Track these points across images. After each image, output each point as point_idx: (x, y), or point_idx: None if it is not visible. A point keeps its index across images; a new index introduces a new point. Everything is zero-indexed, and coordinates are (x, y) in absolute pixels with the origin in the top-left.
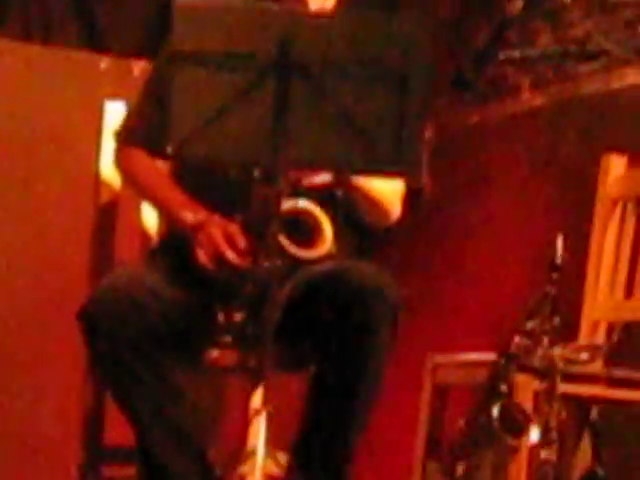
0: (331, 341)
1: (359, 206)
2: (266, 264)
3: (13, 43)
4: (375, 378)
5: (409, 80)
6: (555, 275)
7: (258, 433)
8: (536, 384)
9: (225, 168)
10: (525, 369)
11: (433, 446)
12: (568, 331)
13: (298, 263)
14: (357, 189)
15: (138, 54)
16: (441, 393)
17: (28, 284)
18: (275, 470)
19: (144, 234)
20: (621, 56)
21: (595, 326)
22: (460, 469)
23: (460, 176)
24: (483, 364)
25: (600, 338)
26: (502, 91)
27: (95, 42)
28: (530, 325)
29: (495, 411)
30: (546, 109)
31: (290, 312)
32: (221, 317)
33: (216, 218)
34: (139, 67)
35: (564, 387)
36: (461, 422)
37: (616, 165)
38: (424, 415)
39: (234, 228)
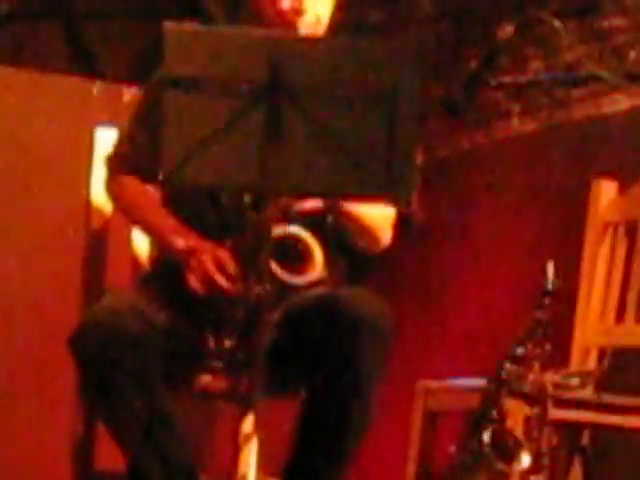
0: (322, 367)
1: (349, 232)
2: (256, 289)
3: (5, 68)
4: (366, 405)
5: (398, 105)
6: (546, 301)
7: (249, 459)
8: (527, 409)
9: (216, 194)
10: (516, 395)
11: (424, 472)
12: (559, 357)
13: (288, 288)
14: (348, 215)
15: (129, 80)
16: (432, 418)
17: (20, 309)
18: None
19: (135, 260)
20: (611, 82)
21: (586, 352)
22: None
23: (450, 201)
24: (474, 390)
25: (591, 364)
26: (493, 116)
27: (86, 67)
28: (521, 351)
29: (486, 436)
30: (537, 135)
31: (281, 338)
32: (212, 343)
33: (207, 244)
34: (130, 93)
35: (555, 412)
36: (452, 447)
37: (607, 190)
38: (415, 440)
39: (224, 253)
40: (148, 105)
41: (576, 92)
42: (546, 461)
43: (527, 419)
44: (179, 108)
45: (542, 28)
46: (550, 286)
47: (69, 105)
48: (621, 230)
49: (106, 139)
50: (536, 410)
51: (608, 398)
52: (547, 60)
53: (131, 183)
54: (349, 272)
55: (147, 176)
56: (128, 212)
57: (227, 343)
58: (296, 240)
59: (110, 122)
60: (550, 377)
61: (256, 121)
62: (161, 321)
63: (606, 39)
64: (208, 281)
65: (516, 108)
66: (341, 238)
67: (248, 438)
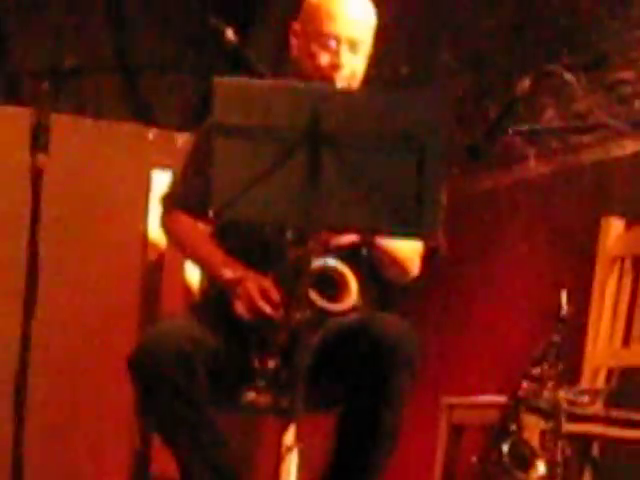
0: (356, 385)
1: (382, 264)
2: (297, 315)
3: (69, 117)
4: (396, 418)
5: (427, 150)
6: (560, 326)
7: (290, 469)
8: (542, 424)
9: (261, 230)
10: (532, 410)
11: (450, 479)
12: (571, 376)
13: (326, 315)
14: (380, 248)
15: (181, 127)
16: (456, 432)
17: (83, 332)
18: None
19: (187, 289)
20: (618, 129)
21: (596, 372)
22: None
23: (473, 237)
24: (494, 406)
25: (600, 382)
26: (511, 160)
27: (143, 116)
28: (537, 371)
29: (505, 448)
30: (551, 176)
31: (319, 359)
32: (256, 363)
33: (252, 274)
34: (182, 139)
35: (568, 426)
36: (474, 458)
37: (615, 227)
38: (440, 452)
39: (268, 283)
40: (199, 150)
41: (586, 138)
42: (560, 470)
43: (542, 432)
44: (227, 153)
45: (556, 80)
46: (564, 312)
47: (128, 150)
48: (628, 263)
49: (161, 180)
50: (550, 424)
51: (616, 413)
52: (560, 109)
53: (184, 220)
54: (383, 299)
55: (198, 213)
56: (181, 246)
57: (271, 363)
58: (334, 271)
59: (165, 165)
60: (563, 394)
61: (297, 164)
62: (210, 344)
63: (613, 90)
64: (253, 308)
65: (532, 152)
66: (374, 269)
67: (289, 449)
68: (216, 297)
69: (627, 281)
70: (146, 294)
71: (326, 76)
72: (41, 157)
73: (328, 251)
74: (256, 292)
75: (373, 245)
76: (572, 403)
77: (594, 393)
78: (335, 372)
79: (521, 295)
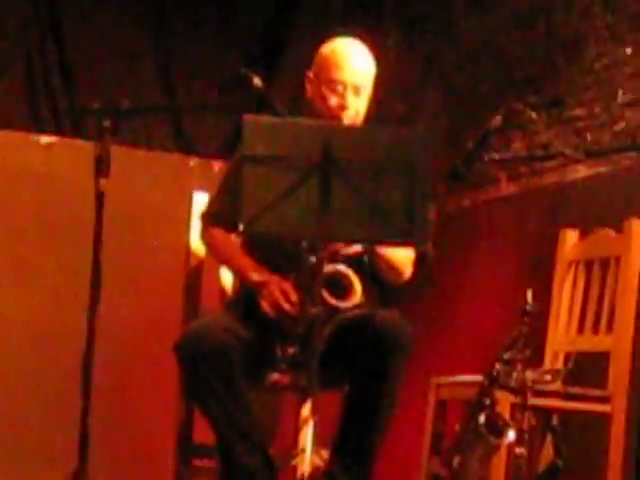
0: (361, 367)
1: (381, 269)
2: (312, 311)
3: (125, 149)
4: (393, 394)
5: (417, 175)
6: (526, 318)
7: (307, 436)
8: (512, 398)
9: (281, 241)
10: (504, 388)
11: (436, 445)
12: (536, 359)
13: (336, 310)
14: (380, 256)
15: (217, 156)
16: (442, 406)
17: (137, 325)
18: (319, 462)
19: (223, 290)
20: (573, 157)
21: (556, 355)
22: (456, 461)
23: (455, 245)
24: (473, 384)
25: (559, 364)
26: (486, 182)
27: (185, 147)
28: (507, 355)
29: (482, 418)
30: (518, 196)
31: (330, 346)
32: (279, 350)
33: (275, 278)
34: (218, 165)
35: (533, 401)
36: (456, 427)
37: (570, 237)
38: (429, 422)
39: (288, 285)
40: (231, 175)
41: (547, 164)
42: (526, 437)
43: (512, 405)
44: (254, 177)
45: (522, 117)
46: (529, 308)
47: (173, 175)
48: (581, 267)
49: (201, 200)
50: (519, 399)
51: (572, 390)
52: (526, 140)
53: (219, 233)
54: (382, 297)
55: (230, 228)
56: (217, 255)
57: (290, 350)
58: (342, 275)
59: (204, 188)
60: (529, 374)
61: (312, 187)
62: (242, 334)
63: (569, 125)
64: (276, 306)
65: (503, 176)
66: (374, 273)
67: (306, 420)
68: (246, 296)
69: (580, 281)
70: (188, 294)
71: (334, 115)
72: (103, 182)
73: (337, 258)
74: (278, 293)
75: (374, 253)
76: (536, 381)
77: (554, 373)
78: (343, 356)
79: (495, 294)
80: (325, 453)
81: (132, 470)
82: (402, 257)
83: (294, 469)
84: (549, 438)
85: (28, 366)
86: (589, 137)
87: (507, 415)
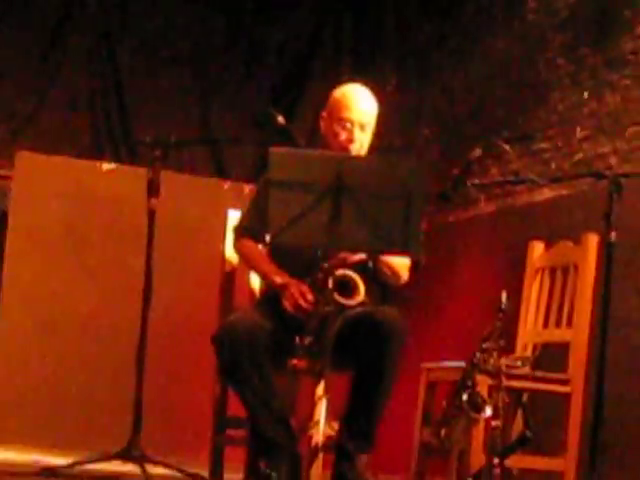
0: (365, 354)
1: (382, 273)
2: (325, 309)
3: (172, 174)
4: (391, 376)
5: (412, 197)
6: (501, 315)
7: (320, 410)
8: (489, 381)
9: (300, 250)
10: (483, 372)
11: (426, 418)
12: (509, 348)
13: (344, 308)
14: (382, 262)
15: (247, 180)
16: (431, 387)
17: (180, 320)
18: (331, 432)
19: (252, 291)
20: (539, 182)
21: (525, 346)
22: (443, 432)
23: (443, 254)
24: (457, 369)
25: (528, 353)
26: (468, 203)
27: (220, 172)
28: (486, 345)
29: (465, 397)
30: (495, 214)
31: (340, 337)
32: (298, 340)
33: (295, 281)
34: (248, 188)
35: (506, 383)
36: (444, 403)
37: (537, 248)
38: (420, 400)
39: (305, 287)
40: (258, 196)
41: (518, 188)
42: (501, 412)
43: (490, 387)
44: (279, 199)
45: (498, 149)
46: (504, 306)
47: (211, 196)
48: (546, 272)
49: (234, 217)
50: (495, 381)
51: (538, 373)
52: (501, 168)
53: (248, 244)
54: (383, 297)
55: (258, 239)
56: (247, 262)
57: (307, 341)
58: (349, 278)
59: (236, 206)
60: (504, 361)
61: (326, 206)
62: (268, 328)
63: (536, 156)
64: (295, 304)
65: (482, 197)
66: (377, 277)
67: (320, 398)
68: (271, 296)
69: (546, 285)
70: (224, 294)
71: (344, 147)
72: (154, 201)
73: (345, 265)
74: (297, 294)
75: (377, 260)
76: (509, 367)
77: (524, 360)
78: (350, 345)
79: (475, 294)
80: (336, 425)
81: (177, 439)
82: (400, 264)
83: (310, 438)
84: (520, 413)
85: (92, 352)
86: (553, 165)
87: (485, 394)
